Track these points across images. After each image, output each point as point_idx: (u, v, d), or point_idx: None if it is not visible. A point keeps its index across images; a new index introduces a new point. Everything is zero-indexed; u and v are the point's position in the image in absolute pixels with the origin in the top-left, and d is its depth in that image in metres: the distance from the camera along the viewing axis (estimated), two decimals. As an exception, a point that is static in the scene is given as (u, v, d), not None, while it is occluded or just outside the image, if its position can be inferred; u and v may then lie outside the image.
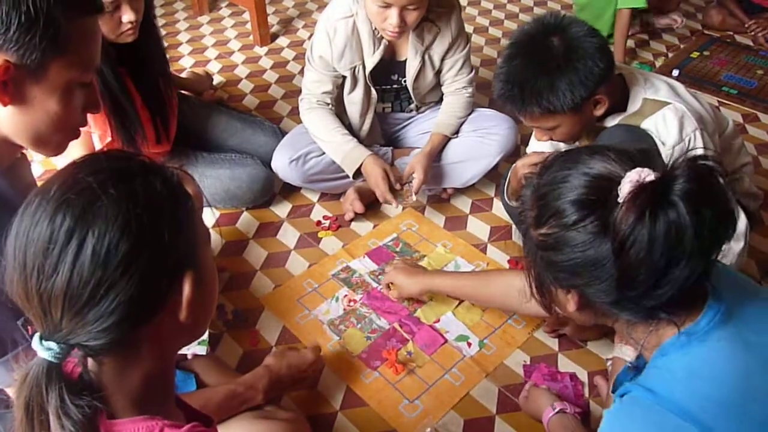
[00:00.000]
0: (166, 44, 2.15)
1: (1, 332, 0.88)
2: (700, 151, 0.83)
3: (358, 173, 1.99)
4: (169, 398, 0.78)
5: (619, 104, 1.49)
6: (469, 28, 3.28)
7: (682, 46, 3.18)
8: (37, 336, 0.66)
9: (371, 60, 1.95)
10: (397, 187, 1.97)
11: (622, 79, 1.52)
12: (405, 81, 2.05)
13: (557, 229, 0.85)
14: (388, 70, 2.03)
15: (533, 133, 1.63)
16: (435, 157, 2.05)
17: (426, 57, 2.00)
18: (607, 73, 1.42)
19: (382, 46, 1.94)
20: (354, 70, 1.98)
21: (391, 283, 1.73)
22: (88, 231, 0.63)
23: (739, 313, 0.88)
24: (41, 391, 0.64)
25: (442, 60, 2.03)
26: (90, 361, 0.69)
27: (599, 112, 1.47)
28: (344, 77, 2.00)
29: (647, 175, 0.78)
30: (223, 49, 3.12)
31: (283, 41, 3.20)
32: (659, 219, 0.76)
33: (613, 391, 1.02)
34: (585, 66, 1.38)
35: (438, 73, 2.07)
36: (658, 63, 3.04)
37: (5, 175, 0.98)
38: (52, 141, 0.99)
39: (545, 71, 1.40)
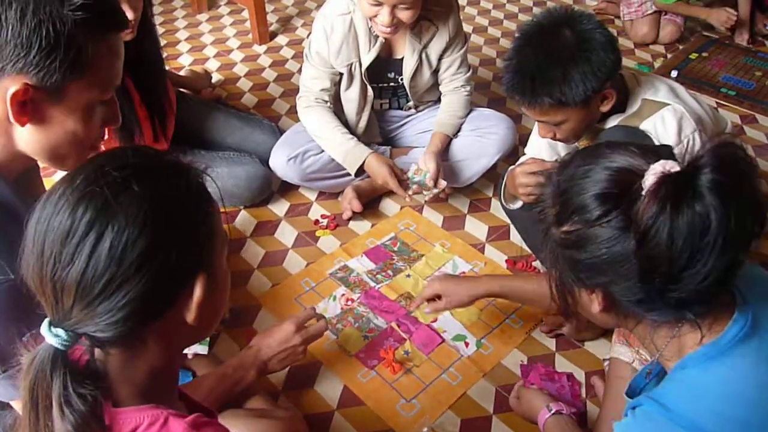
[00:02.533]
0: (164, 42, 2.15)
1: (7, 347, 0.88)
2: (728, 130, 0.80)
3: (359, 171, 1.99)
4: (172, 391, 0.79)
5: (619, 105, 1.49)
6: (468, 28, 3.28)
7: (680, 47, 3.18)
8: (46, 321, 0.66)
9: (367, 57, 1.95)
10: (404, 177, 1.96)
11: (622, 80, 1.52)
12: (402, 79, 2.05)
13: (580, 225, 0.82)
14: (385, 68, 2.03)
15: (533, 132, 1.62)
16: (442, 156, 2.04)
17: (423, 56, 2.01)
18: (617, 65, 1.42)
19: (378, 44, 1.94)
20: (351, 68, 1.98)
21: (438, 296, 1.57)
22: (107, 225, 0.64)
23: (767, 323, 0.85)
24: (46, 377, 0.65)
25: (440, 59, 2.03)
26: (97, 350, 0.70)
27: (606, 107, 1.46)
28: (341, 74, 2.00)
29: (672, 166, 0.76)
30: (222, 48, 3.12)
31: (281, 40, 3.19)
32: (683, 210, 0.74)
33: (627, 395, 1.00)
34: (598, 57, 1.37)
35: (435, 72, 2.07)
36: (657, 64, 3.04)
37: (14, 185, 0.98)
38: (71, 157, 0.98)
39: (558, 61, 1.38)
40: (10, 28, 0.84)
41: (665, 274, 0.78)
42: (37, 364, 0.65)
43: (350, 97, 2.05)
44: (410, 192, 1.98)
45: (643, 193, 0.77)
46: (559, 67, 1.37)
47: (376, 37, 1.93)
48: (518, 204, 1.71)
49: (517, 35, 1.48)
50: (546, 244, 0.90)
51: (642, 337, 0.93)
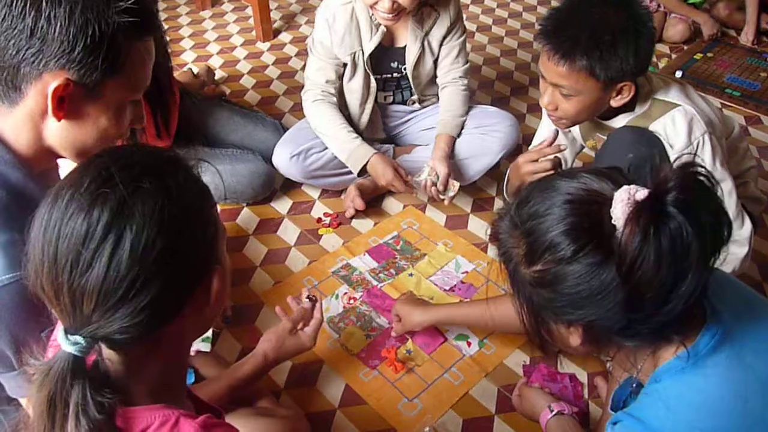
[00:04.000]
0: (167, 38, 2.14)
1: (26, 341, 0.89)
2: (685, 158, 0.80)
3: (362, 171, 1.99)
4: (181, 390, 0.79)
5: (628, 104, 1.47)
6: (472, 26, 3.28)
7: (685, 48, 3.17)
8: (61, 330, 0.65)
9: (369, 45, 1.96)
10: (408, 178, 1.96)
11: None
12: (405, 69, 2.05)
13: (553, 264, 0.80)
14: (388, 57, 2.04)
15: (540, 126, 1.59)
16: (450, 157, 2.04)
17: (425, 43, 2.01)
18: (649, 63, 1.42)
19: (379, 32, 1.94)
20: (354, 57, 1.98)
21: (397, 316, 1.64)
22: (125, 226, 0.63)
23: (740, 331, 0.85)
24: (66, 386, 0.64)
25: (440, 45, 2.04)
26: (110, 351, 0.69)
27: (617, 103, 1.44)
28: (345, 65, 2.00)
29: (636, 191, 0.76)
30: (226, 45, 3.12)
31: (285, 37, 3.19)
32: (663, 234, 0.73)
33: (611, 408, 1.01)
34: (643, 46, 1.36)
35: (437, 60, 2.07)
36: (662, 64, 3.03)
37: (38, 181, 1.00)
38: (94, 152, 1.00)
39: (611, 30, 1.35)
40: (59, 25, 0.86)
41: (653, 299, 0.77)
42: (56, 374, 0.64)
43: (353, 88, 2.05)
44: (415, 193, 1.99)
45: (616, 222, 0.76)
46: (609, 35, 1.34)
47: (378, 25, 1.94)
48: None
49: None
50: (515, 284, 0.88)
51: (622, 361, 0.92)
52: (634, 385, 0.99)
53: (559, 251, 0.79)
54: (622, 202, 0.76)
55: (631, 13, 1.37)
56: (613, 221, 0.76)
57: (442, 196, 1.98)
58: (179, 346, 0.74)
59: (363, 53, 1.98)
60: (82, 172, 0.67)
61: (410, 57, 2.02)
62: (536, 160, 1.58)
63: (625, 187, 0.77)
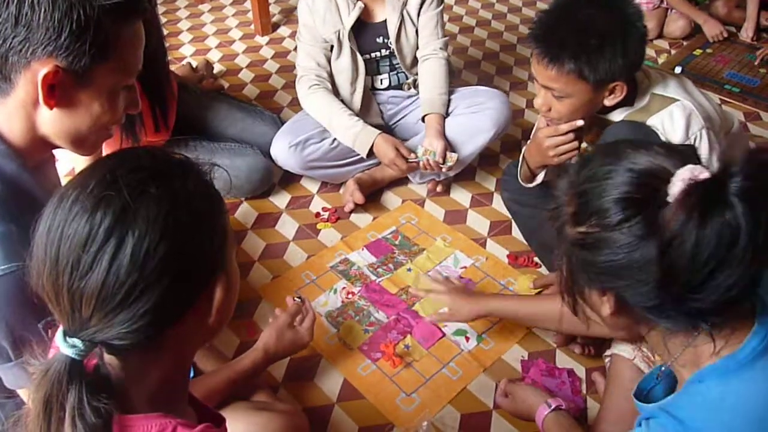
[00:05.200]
0: (166, 32, 2.14)
1: (23, 332, 0.88)
2: (706, 149, 0.78)
3: (370, 153, 2.00)
4: (183, 396, 0.77)
5: (627, 98, 1.47)
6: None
7: (685, 43, 3.17)
8: (60, 332, 0.64)
9: (348, 20, 1.99)
10: (411, 156, 1.98)
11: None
12: (391, 42, 2.07)
13: (598, 228, 0.79)
14: (371, 32, 2.06)
15: (535, 102, 1.58)
16: (443, 134, 2.05)
17: (404, 13, 2.05)
18: (640, 63, 1.41)
19: (357, 7, 1.98)
20: (338, 35, 2.01)
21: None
22: (127, 231, 0.62)
23: None
24: (62, 388, 0.63)
25: (419, 15, 2.06)
26: (110, 356, 0.68)
27: (610, 102, 1.44)
28: (333, 46, 2.02)
29: (700, 172, 0.73)
30: (224, 38, 3.11)
31: (284, 31, 3.18)
32: (712, 220, 0.70)
33: (635, 395, 0.97)
34: (632, 46, 1.36)
35: (418, 31, 2.10)
36: (661, 60, 3.03)
37: (33, 173, 0.99)
38: (90, 141, 1.01)
39: (598, 32, 1.35)
40: (43, 11, 0.85)
41: (685, 284, 0.75)
42: (53, 375, 0.63)
43: (341, 68, 2.06)
44: (417, 179, 2.06)
45: (670, 200, 0.74)
46: (595, 38, 1.35)
47: (356, 1, 1.97)
48: (539, 180, 1.69)
49: None
50: (559, 241, 0.87)
51: (655, 344, 0.89)
52: (659, 377, 0.96)
53: (606, 217, 0.78)
54: (681, 181, 0.74)
55: (619, 13, 1.37)
56: (668, 198, 0.74)
57: (441, 166, 1.99)
58: (181, 355, 0.73)
59: (345, 29, 1.99)
60: (89, 174, 0.66)
61: (391, 28, 2.05)
62: (555, 135, 1.54)
63: (690, 166, 0.75)
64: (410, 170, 2.06)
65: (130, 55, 0.96)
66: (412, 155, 1.99)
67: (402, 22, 2.05)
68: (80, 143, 0.99)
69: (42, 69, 0.88)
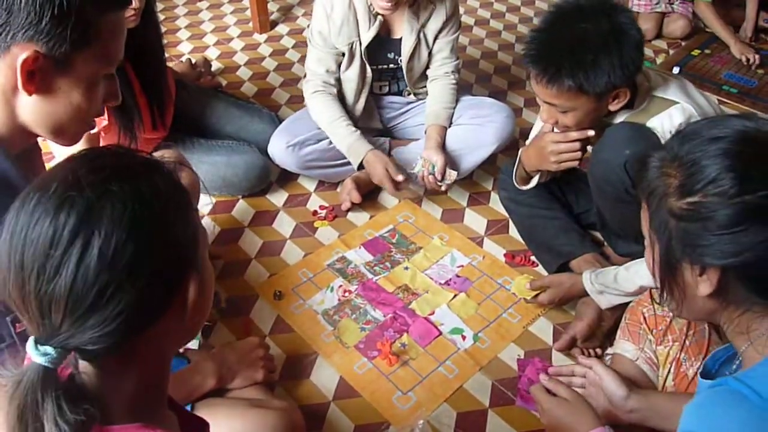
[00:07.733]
0: (164, 29, 2.13)
1: None
2: None
3: (361, 165, 2.00)
4: (162, 401, 0.75)
5: (627, 101, 1.48)
6: (470, 20, 3.27)
7: (683, 44, 3.17)
8: (31, 340, 0.62)
9: (367, 36, 1.97)
10: (399, 178, 1.95)
11: None
12: (400, 60, 2.05)
13: (715, 198, 0.76)
14: (384, 48, 2.04)
15: (539, 115, 1.59)
16: (443, 147, 2.04)
17: (421, 35, 2.02)
18: (640, 67, 1.41)
19: (377, 22, 1.95)
20: (351, 47, 1.99)
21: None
22: (93, 231, 0.60)
23: None
24: (36, 399, 0.60)
25: (435, 38, 2.04)
26: (85, 364, 0.66)
27: (615, 107, 1.45)
28: (343, 54, 2.01)
29: None
30: (222, 36, 3.10)
31: (282, 29, 3.17)
32: None
33: (701, 374, 0.94)
34: (628, 53, 1.36)
35: (431, 53, 2.08)
36: (659, 60, 3.03)
37: (16, 162, 0.98)
38: (70, 131, 1.00)
39: (590, 46, 1.36)
40: None
41: None
42: (26, 385, 0.61)
43: (349, 77, 2.05)
44: (410, 190, 2.03)
45: None
46: (589, 53, 1.35)
47: (376, 15, 1.94)
48: (533, 183, 1.69)
49: (551, 9, 1.44)
50: (655, 216, 0.83)
51: (734, 329, 0.84)
52: (721, 357, 0.94)
53: (722, 186, 0.75)
54: None
55: (612, 23, 1.37)
56: None
57: (439, 183, 1.98)
58: (158, 358, 0.71)
59: (360, 43, 1.98)
60: (50, 176, 0.65)
61: (406, 49, 2.02)
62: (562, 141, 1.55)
63: None
64: (398, 190, 1.99)
65: (111, 43, 0.95)
66: (408, 171, 1.98)
67: (417, 43, 2.02)
68: (60, 132, 0.98)
69: (22, 54, 0.87)
